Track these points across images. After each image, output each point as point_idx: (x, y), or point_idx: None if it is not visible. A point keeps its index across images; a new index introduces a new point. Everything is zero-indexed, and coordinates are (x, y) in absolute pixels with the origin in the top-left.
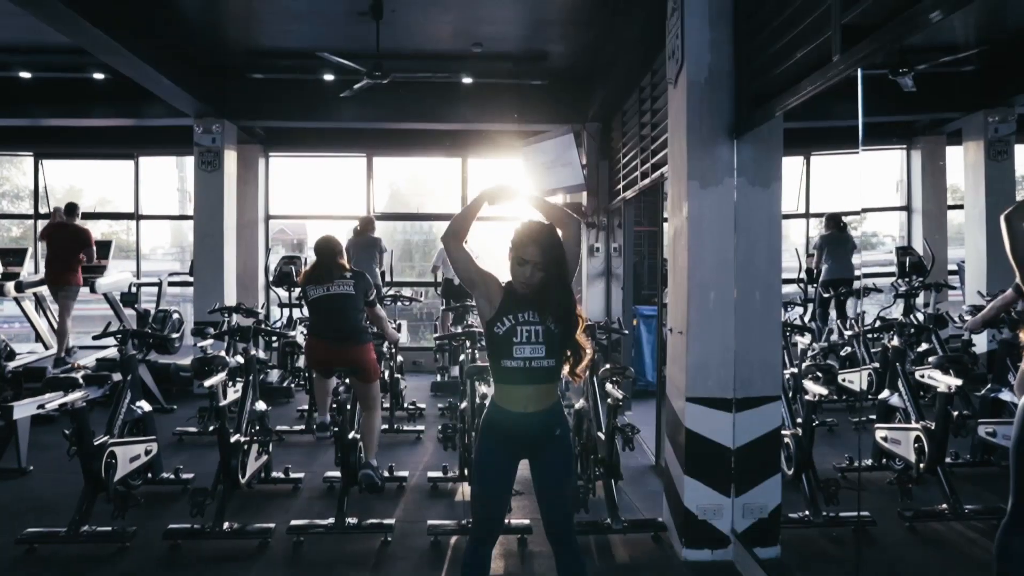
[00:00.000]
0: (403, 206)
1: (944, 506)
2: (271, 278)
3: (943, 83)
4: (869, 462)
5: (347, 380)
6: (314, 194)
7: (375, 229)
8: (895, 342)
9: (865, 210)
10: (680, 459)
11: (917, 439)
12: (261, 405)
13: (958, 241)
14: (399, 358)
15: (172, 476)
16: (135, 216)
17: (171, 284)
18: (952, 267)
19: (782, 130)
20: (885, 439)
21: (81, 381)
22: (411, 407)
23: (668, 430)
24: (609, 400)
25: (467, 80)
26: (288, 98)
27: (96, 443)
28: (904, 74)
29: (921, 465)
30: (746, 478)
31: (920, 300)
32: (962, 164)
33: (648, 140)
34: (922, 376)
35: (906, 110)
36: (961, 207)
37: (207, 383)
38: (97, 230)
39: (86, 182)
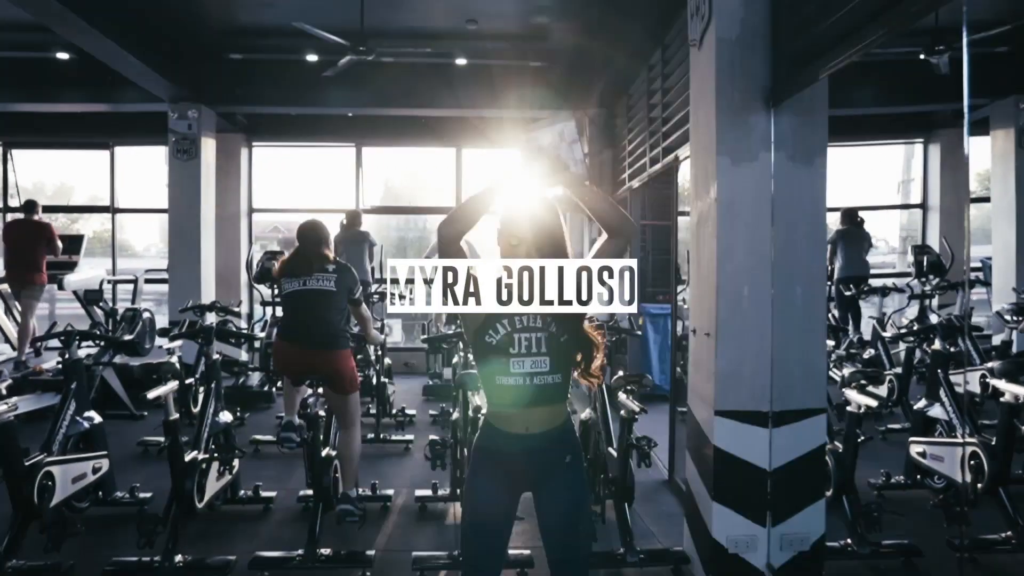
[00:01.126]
0: (398, 201)
1: (1008, 533)
2: (252, 274)
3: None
4: (901, 478)
5: (320, 390)
6: (301, 187)
7: (363, 223)
8: (936, 346)
9: (880, 207)
10: (707, 482)
11: (973, 456)
12: (226, 416)
13: (977, 238)
14: (387, 361)
15: (126, 496)
16: (111, 210)
17: (149, 281)
18: (975, 264)
19: (827, 96)
20: (923, 455)
21: (3, 391)
22: (400, 415)
23: (691, 445)
24: (623, 412)
25: (461, 61)
26: (270, 82)
27: (28, 463)
28: (941, 52)
29: (979, 485)
30: (785, 504)
31: (935, 302)
32: (986, 156)
33: (659, 122)
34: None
35: (930, 98)
36: (981, 200)
37: (151, 395)
38: (89, 227)
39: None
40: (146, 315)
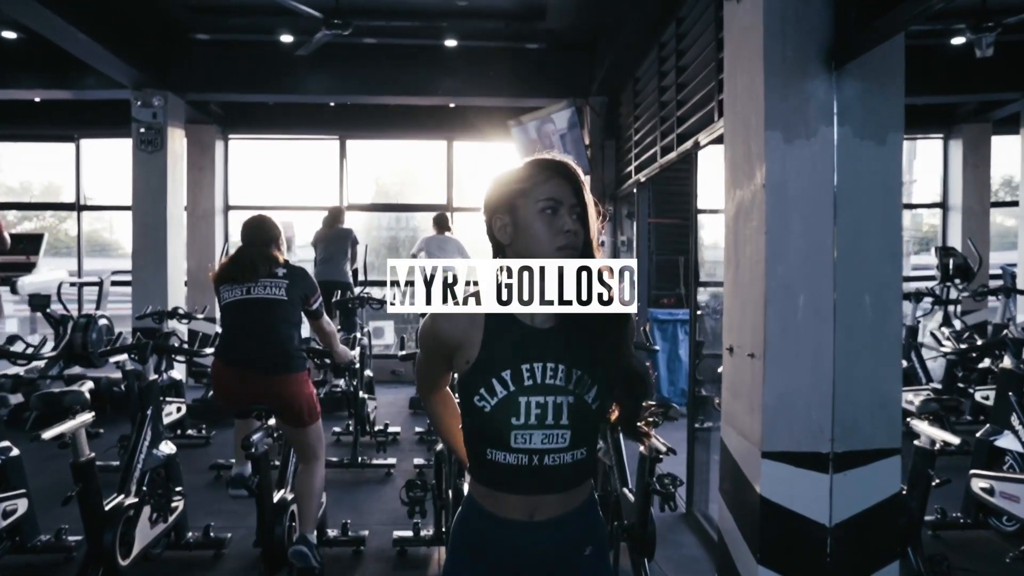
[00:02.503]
0: (388, 200)
1: None
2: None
3: (1002, 58)
4: (959, 516)
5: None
6: (282, 183)
7: (346, 220)
8: (1007, 364)
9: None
10: (749, 538)
11: None
12: (166, 448)
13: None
14: (368, 373)
15: (50, 539)
16: (76, 207)
17: (117, 284)
18: (995, 271)
19: (903, 56)
20: (990, 491)
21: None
22: (381, 435)
23: (725, 488)
24: (643, 450)
25: (451, 43)
26: (242, 66)
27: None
28: (989, 30)
29: None
30: (850, 568)
31: (959, 308)
32: (1014, 155)
33: (673, 105)
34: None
35: (952, 90)
36: (1006, 205)
37: (47, 435)
38: (86, 223)
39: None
40: (102, 322)
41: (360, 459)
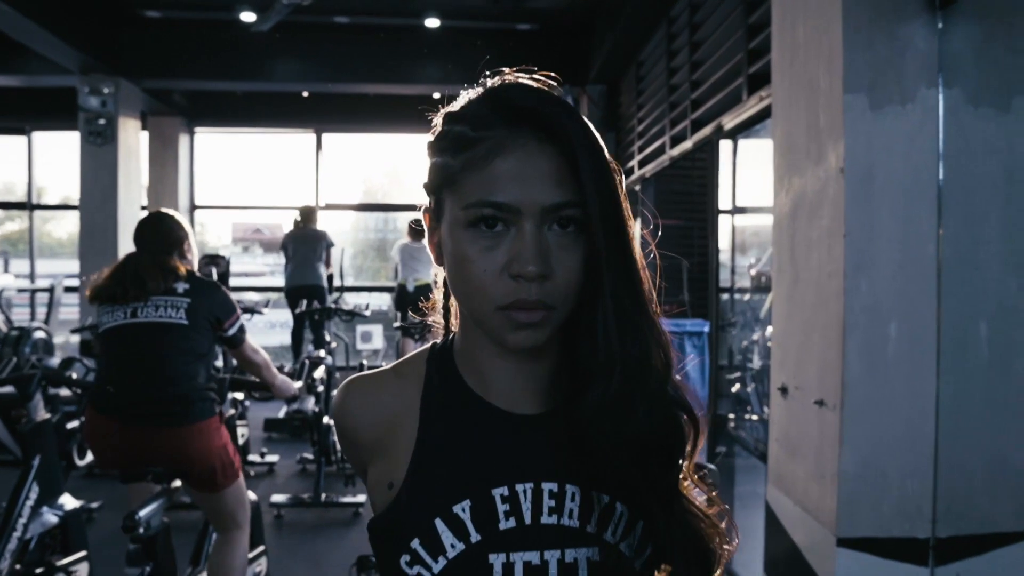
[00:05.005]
0: (377, 199)
1: None
2: None
3: None
4: None
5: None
6: (255, 180)
7: (318, 221)
8: None
9: None
10: None
11: None
12: (69, 502)
13: None
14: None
15: None
16: (28, 206)
17: (71, 290)
18: None
19: None
20: None
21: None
22: (349, 467)
23: (776, 573)
24: None
25: (433, 23)
26: (203, 49)
27: None
28: None
29: None
30: None
31: None
32: None
33: (686, 87)
34: None
35: None
36: None
37: None
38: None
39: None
40: (38, 335)
41: (323, 496)
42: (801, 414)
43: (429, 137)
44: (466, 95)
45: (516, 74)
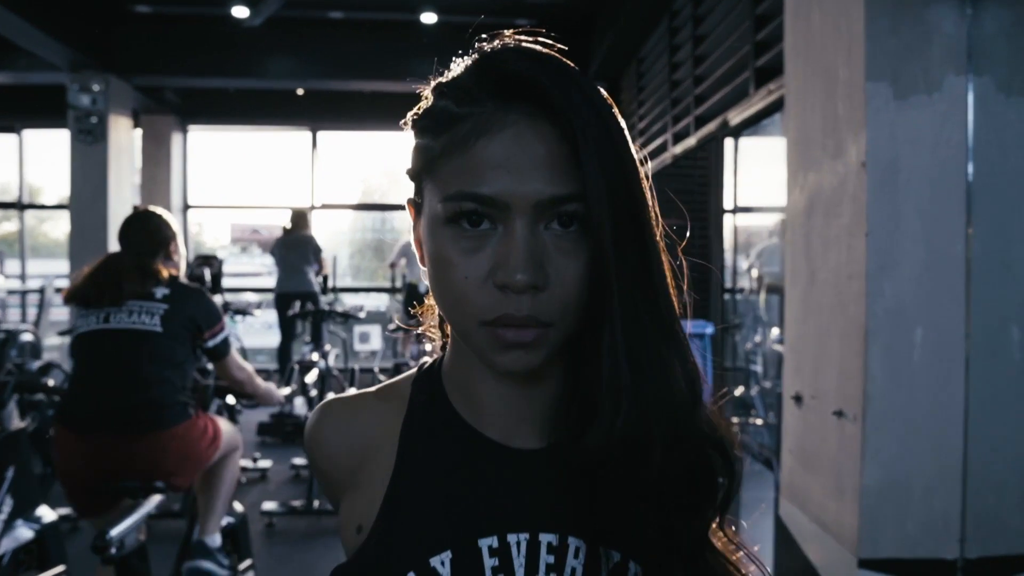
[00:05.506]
0: (376, 199)
1: None
2: None
3: None
4: None
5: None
6: (250, 179)
7: (309, 225)
8: None
9: None
10: None
11: None
12: (47, 515)
13: None
14: (331, 396)
15: None
16: (18, 205)
17: (62, 290)
18: None
19: None
20: None
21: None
22: None
23: None
24: None
25: (430, 18)
26: (195, 46)
27: None
28: None
29: None
30: None
31: None
32: None
33: (690, 82)
34: None
35: None
36: None
37: None
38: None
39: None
40: (25, 338)
41: (316, 504)
42: (818, 425)
43: (413, 112)
44: (460, 63)
45: (518, 37)
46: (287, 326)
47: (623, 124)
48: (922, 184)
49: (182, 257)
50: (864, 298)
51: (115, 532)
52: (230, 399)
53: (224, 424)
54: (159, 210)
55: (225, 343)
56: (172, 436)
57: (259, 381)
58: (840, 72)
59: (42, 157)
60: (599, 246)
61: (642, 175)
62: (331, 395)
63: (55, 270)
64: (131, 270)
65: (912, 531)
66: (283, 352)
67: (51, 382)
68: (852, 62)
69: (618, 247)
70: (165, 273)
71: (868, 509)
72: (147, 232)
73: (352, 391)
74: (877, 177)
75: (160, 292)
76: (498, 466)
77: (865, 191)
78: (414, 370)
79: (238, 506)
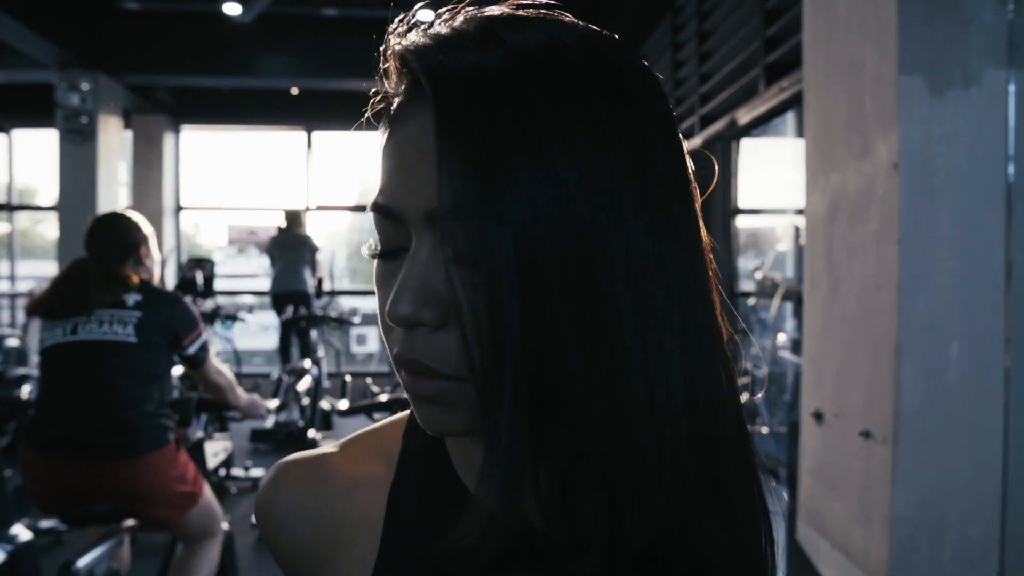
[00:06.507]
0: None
1: None
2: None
3: None
4: None
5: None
6: (244, 180)
7: (305, 225)
8: None
9: None
10: None
11: None
12: (22, 533)
13: None
14: (323, 405)
15: None
16: (8, 207)
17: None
18: None
19: None
20: None
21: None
22: None
23: None
24: None
25: (426, 16)
26: (187, 43)
27: None
28: None
29: None
30: None
31: None
32: None
33: (695, 80)
34: None
35: None
36: None
37: None
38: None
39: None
40: (11, 343)
41: None
42: (841, 445)
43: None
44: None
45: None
46: (286, 324)
47: (607, 115)
48: (959, 186)
49: (156, 263)
50: (896, 311)
51: (82, 562)
52: None
53: (209, 493)
54: (130, 212)
55: (204, 349)
56: (146, 464)
57: (240, 391)
58: (868, 65)
59: (36, 158)
60: (493, 285)
61: (636, 177)
62: (292, 456)
63: (47, 272)
64: (97, 277)
65: (947, 562)
66: (283, 349)
67: (26, 393)
68: (882, 54)
69: (539, 289)
70: (135, 279)
71: (899, 538)
72: (115, 236)
73: (318, 449)
74: (910, 178)
75: (132, 299)
76: (514, 553)
77: (897, 194)
78: (406, 413)
79: (225, 525)
